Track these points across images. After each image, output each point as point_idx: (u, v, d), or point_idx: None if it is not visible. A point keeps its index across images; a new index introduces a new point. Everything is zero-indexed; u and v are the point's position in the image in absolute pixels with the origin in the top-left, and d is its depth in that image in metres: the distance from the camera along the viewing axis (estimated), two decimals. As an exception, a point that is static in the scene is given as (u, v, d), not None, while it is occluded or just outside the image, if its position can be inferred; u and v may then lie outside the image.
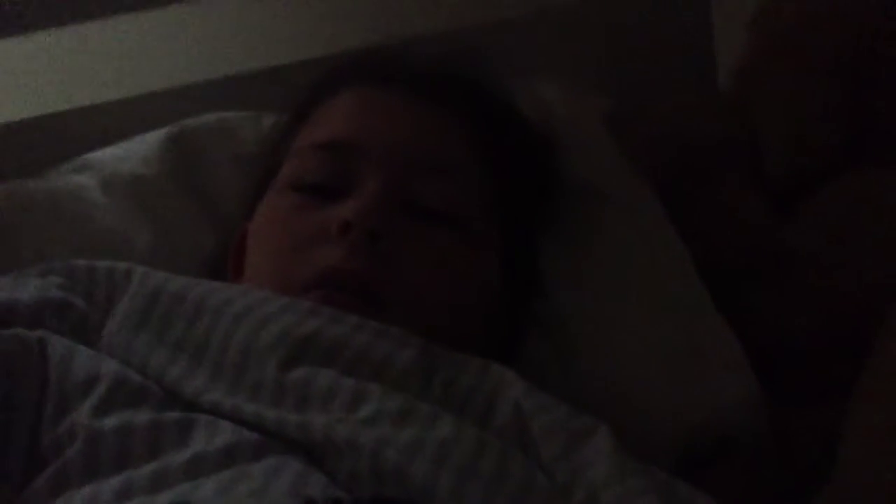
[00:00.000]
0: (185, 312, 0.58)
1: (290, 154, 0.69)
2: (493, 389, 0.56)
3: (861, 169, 0.72)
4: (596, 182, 0.72)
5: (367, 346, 0.56)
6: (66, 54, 0.85)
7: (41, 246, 0.71)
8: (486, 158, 0.68)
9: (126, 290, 0.61)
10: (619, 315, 0.67)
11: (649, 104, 0.81)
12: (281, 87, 0.78)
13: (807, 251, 0.70)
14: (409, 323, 0.59)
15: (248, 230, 0.69)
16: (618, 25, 0.86)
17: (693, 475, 0.60)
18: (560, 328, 0.68)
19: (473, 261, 0.66)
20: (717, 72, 0.87)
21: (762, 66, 0.77)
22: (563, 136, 0.73)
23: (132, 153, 0.78)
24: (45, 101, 0.84)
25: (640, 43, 0.87)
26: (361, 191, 0.63)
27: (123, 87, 0.84)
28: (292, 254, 0.63)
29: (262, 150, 0.75)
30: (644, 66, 0.87)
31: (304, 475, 0.49)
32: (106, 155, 0.78)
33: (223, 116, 0.81)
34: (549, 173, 0.72)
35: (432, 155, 0.66)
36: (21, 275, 0.62)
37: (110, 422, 0.52)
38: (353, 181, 0.64)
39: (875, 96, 0.72)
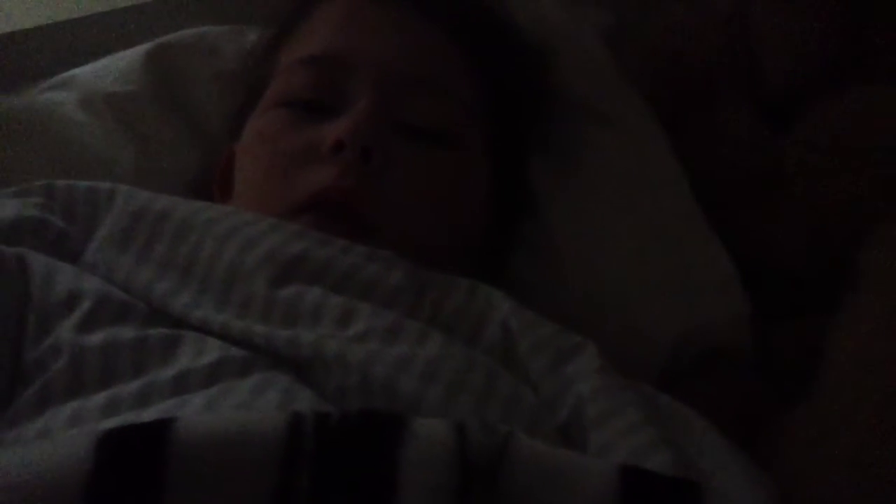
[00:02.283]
0: (171, 231, 0.57)
1: (278, 71, 0.67)
2: (481, 310, 0.56)
3: (856, 85, 0.71)
4: (591, 99, 0.71)
5: (355, 268, 0.56)
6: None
7: (19, 165, 0.69)
8: (478, 74, 0.66)
9: (109, 209, 0.59)
10: (608, 232, 0.67)
11: (646, 19, 0.79)
12: (263, 1, 0.76)
13: (797, 165, 0.69)
14: (398, 243, 0.58)
15: (234, 150, 0.68)
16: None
17: (677, 386, 0.61)
18: (549, 246, 0.68)
19: (465, 179, 0.65)
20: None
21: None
22: (560, 51, 0.72)
23: (111, 70, 0.76)
24: (21, 16, 0.81)
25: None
26: (353, 109, 0.61)
27: (100, 1, 0.82)
28: (282, 173, 0.61)
29: (246, 66, 0.73)
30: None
31: (292, 390, 0.49)
32: (84, 72, 0.77)
33: (204, 32, 0.79)
34: (544, 90, 0.70)
35: (423, 71, 0.64)
36: (-2, 195, 0.60)
37: (95, 338, 0.51)
38: (343, 98, 0.62)
39: (874, 12, 0.71)
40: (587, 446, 0.48)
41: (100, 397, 0.49)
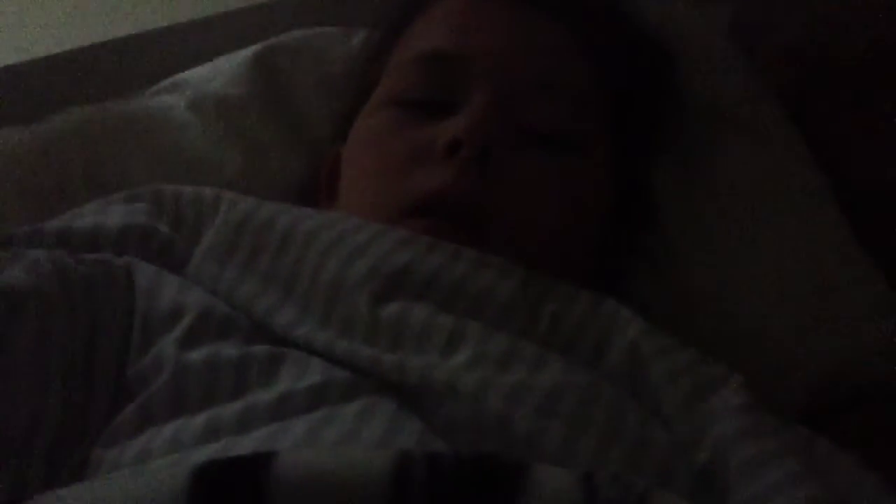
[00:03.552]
0: (273, 242, 0.55)
1: (388, 69, 0.64)
2: (607, 326, 0.51)
3: None
4: (720, 102, 0.66)
5: (465, 278, 0.52)
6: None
7: (130, 168, 0.69)
8: (600, 75, 0.62)
9: (214, 217, 0.58)
10: (743, 252, 0.61)
11: (782, 10, 0.73)
12: (372, 2, 0.74)
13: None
14: (513, 251, 0.55)
15: (340, 153, 0.66)
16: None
17: (825, 423, 0.55)
18: (673, 265, 0.63)
19: (584, 187, 0.61)
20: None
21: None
22: (685, 51, 0.67)
23: (220, 72, 0.75)
24: (133, 20, 0.82)
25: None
26: (469, 107, 0.58)
27: (211, 4, 0.81)
28: (393, 175, 0.58)
29: (354, 67, 0.70)
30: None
31: (398, 420, 0.46)
32: (193, 75, 0.76)
33: (311, 34, 0.77)
34: (669, 93, 0.65)
35: (543, 70, 0.60)
36: (107, 201, 0.60)
37: (197, 354, 0.49)
38: (458, 96, 0.59)
39: None
40: (730, 497, 0.43)
41: (200, 419, 0.47)
